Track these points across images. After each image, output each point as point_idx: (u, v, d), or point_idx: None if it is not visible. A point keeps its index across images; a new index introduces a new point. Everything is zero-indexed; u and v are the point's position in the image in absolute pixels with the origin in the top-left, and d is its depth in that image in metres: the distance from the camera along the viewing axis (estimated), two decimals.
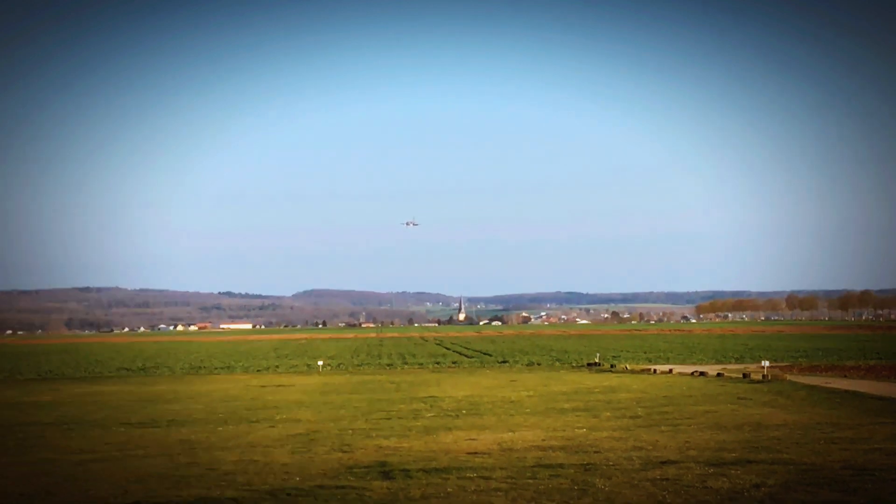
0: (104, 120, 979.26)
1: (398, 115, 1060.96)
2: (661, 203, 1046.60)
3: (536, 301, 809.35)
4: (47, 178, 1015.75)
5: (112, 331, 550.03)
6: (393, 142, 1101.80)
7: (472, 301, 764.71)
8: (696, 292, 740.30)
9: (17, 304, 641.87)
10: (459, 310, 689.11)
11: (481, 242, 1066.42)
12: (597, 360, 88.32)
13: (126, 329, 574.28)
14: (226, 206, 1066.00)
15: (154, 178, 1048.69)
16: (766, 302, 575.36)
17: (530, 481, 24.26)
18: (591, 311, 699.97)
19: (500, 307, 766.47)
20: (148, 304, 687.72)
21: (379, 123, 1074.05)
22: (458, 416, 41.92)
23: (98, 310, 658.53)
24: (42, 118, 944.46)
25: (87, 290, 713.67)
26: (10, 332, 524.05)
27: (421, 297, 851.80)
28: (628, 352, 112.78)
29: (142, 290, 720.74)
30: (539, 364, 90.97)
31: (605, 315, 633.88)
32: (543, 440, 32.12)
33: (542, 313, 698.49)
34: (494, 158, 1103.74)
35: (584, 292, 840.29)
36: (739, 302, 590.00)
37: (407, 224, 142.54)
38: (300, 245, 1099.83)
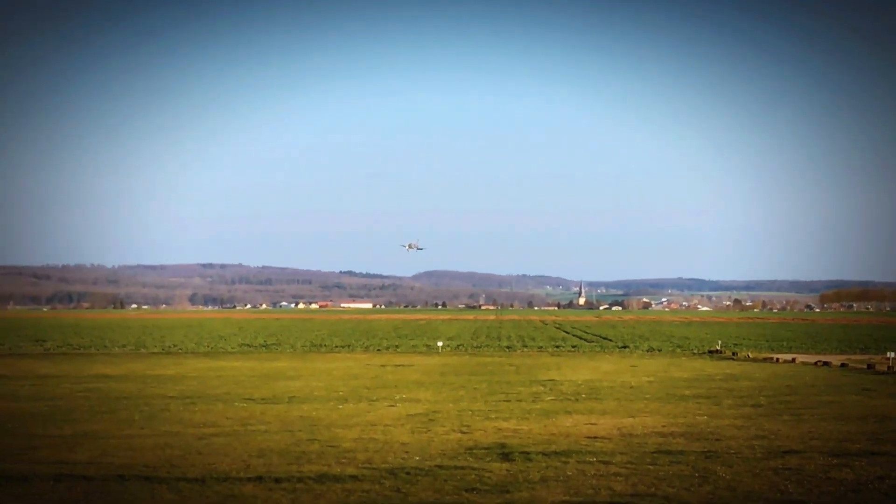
0: (223, 99, 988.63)
1: (504, 101, 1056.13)
2: (785, 191, 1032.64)
3: (658, 287, 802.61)
4: (172, 158, 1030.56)
5: (235, 307, 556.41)
6: (516, 126, 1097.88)
7: (593, 285, 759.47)
8: (820, 281, 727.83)
9: (142, 278, 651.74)
10: (579, 294, 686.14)
11: (603, 226, 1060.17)
12: (718, 348, 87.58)
13: (248, 305, 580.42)
14: (345, 186, 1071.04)
15: (276, 156, 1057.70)
16: (892, 292, 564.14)
17: (650, 467, 24.16)
18: (713, 299, 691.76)
19: (620, 292, 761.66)
20: (270, 282, 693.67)
21: (489, 109, 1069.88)
22: (577, 399, 41.82)
23: (221, 286, 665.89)
24: (156, 95, 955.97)
25: (210, 266, 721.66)
26: (135, 306, 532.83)
27: (541, 280, 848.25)
28: (750, 340, 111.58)
29: (264, 268, 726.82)
30: (659, 350, 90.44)
31: (727, 302, 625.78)
32: (664, 426, 31.95)
33: (664, 299, 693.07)
34: (612, 144, 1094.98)
35: (707, 279, 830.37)
36: (865, 291, 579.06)
37: (409, 247, 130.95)
38: (422, 226, 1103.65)
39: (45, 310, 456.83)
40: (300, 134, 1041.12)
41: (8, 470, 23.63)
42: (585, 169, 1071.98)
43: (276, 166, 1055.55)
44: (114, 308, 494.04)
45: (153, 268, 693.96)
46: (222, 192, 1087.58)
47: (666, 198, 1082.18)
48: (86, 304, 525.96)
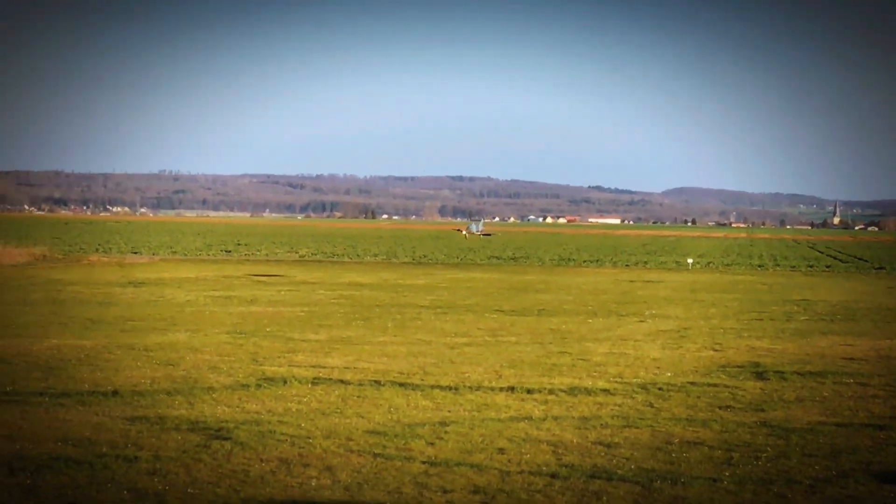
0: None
1: None
2: None
3: None
4: (420, 73, 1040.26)
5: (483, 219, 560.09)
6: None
7: (848, 205, 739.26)
8: None
9: (392, 189, 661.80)
10: (834, 213, 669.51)
11: (859, 143, 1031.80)
12: None
13: (496, 218, 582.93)
14: (591, 99, 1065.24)
15: (522, 71, 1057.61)
16: None
17: None
18: None
19: (877, 212, 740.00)
20: (518, 195, 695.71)
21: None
22: (832, 320, 40.97)
23: (469, 198, 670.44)
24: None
25: (459, 178, 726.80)
26: (385, 216, 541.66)
27: (794, 198, 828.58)
28: None
29: (513, 181, 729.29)
30: None
31: None
32: None
33: None
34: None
35: None
36: None
37: (466, 232, 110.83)
38: (672, 141, 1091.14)
39: (299, 218, 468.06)
40: (547, 48, 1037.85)
41: (269, 372, 24.38)
42: (837, 84, 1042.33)
43: (523, 81, 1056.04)
44: (365, 218, 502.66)
45: (404, 179, 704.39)
46: (471, 105, 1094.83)
47: None
48: (338, 213, 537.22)
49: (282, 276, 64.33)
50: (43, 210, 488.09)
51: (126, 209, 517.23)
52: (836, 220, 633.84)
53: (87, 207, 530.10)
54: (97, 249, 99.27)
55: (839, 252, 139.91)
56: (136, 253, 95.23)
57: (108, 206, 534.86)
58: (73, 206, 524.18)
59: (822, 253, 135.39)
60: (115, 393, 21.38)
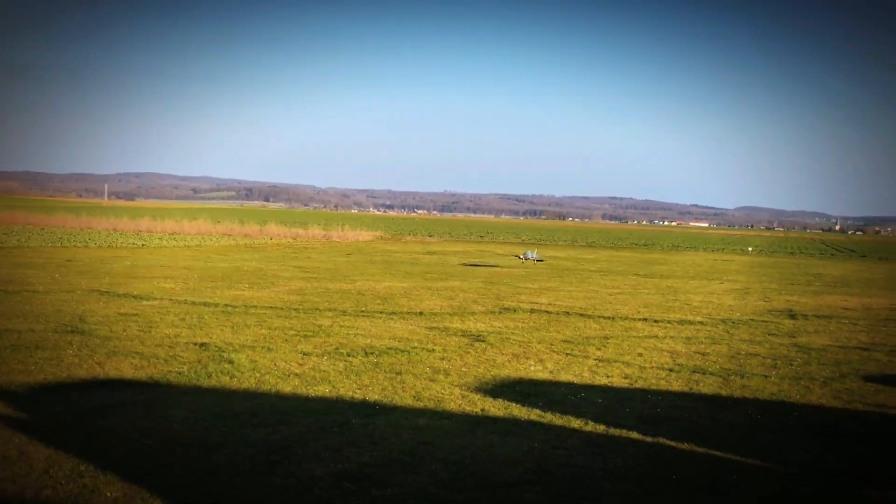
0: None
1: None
2: None
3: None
4: (589, 108, 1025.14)
5: (626, 222, 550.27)
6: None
7: (844, 218, 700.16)
8: None
9: (574, 203, 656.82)
10: (836, 223, 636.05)
11: (854, 177, 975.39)
12: None
13: (635, 221, 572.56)
14: (696, 146, 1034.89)
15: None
16: None
17: (883, 328, 22.33)
18: None
19: (861, 223, 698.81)
20: (649, 209, 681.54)
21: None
22: (835, 285, 39.05)
23: (619, 210, 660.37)
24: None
25: (614, 198, 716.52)
26: (571, 218, 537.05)
27: (813, 214, 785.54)
28: None
29: (647, 200, 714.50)
30: (886, 258, 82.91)
31: None
32: (892, 304, 29.34)
33: (888, 227, 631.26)
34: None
35: None
36: None
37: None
38: (738, 177, 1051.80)
39: (520, 219, 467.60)
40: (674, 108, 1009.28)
41: (506, 304, 24.56)
42: (851, 134, 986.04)
43: (660, 135, 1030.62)
44: (559, 219, 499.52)
45: (581, 197, 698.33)
46: (625, 147, 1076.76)
47: None
48: (543, 217, 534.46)
49: (509, 250, 64.54)
50: (380, 210, 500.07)
51: (424, 211, 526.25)
52: (837, 227, 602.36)
53: (404, 210, 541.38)
54: (409, 233, 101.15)
55: (839, 246, 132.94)
56: (430, 236, 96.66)
57: (414, 209, 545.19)
58: (395, 209, 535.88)
59: (828, 247, 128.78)
60: (420, 313, 21.89)
